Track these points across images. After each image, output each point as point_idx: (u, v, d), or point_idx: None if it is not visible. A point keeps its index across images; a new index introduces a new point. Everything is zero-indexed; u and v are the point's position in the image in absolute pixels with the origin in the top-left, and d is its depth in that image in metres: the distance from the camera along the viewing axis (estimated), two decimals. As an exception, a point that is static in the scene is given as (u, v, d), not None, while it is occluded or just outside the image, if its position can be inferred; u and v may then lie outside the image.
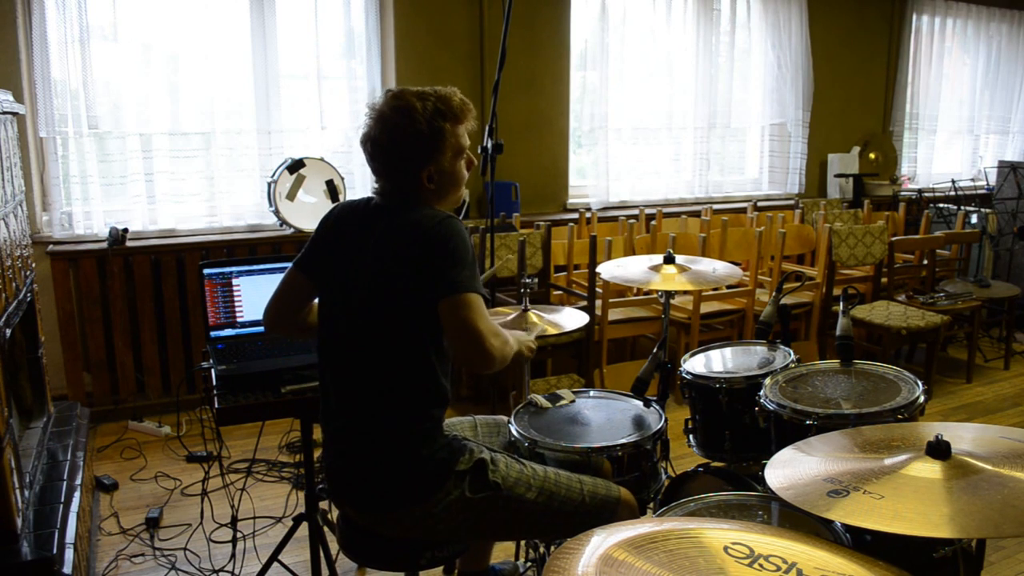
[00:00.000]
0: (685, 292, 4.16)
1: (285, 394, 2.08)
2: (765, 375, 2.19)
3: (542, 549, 2.19)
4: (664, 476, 2.13)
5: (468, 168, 1.81)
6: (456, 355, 1.67)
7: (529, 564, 2.37)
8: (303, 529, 2.31)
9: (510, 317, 2.35)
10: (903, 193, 6.28)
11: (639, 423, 2.10)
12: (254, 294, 2.38)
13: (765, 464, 1.46)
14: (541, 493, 1.77)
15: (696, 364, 2.46)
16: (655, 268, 2.60)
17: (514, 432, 2.03)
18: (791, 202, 5.71)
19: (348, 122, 4.52)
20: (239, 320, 2.38)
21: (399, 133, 1.69)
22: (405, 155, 1.71)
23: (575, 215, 4.99)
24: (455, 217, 1.70)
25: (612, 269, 2.66)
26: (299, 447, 3.46)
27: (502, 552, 2.57)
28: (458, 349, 1.64)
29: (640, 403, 2.20)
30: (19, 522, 2.16)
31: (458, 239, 1.65)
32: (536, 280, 2.51)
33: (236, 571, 2.60)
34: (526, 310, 2.35)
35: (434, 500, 1.69)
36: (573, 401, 2.24)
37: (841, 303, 2.28)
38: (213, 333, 2.35)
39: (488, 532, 1.93)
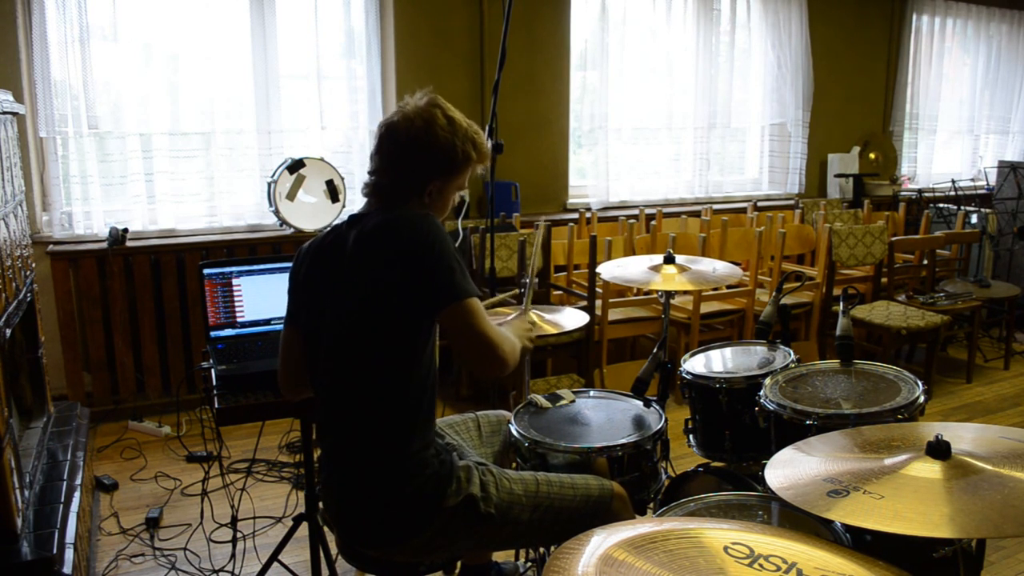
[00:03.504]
0: (685, 292, 4.16)
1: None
2: (765, 375, 2.19)
3: (542, 550, 2.19)
4: (664, 476, 2.13)
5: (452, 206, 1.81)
6: (466, 362, 1.65)
7: (529, 564, 2.37)
8: (303, 529, 2.31)
9: (510, 317, 2.34)
10: (903, 193, 6.28)
11: (639, 423, 2.10)
12: (254, 294, 2.38)
13: (765, 464, 1.46)
14: (536, 510, 1.74)
15: (696, 364, 2.46)
16: (655, 268, 2.60)
17: (514, 432, 2.03)
18: (791, 202, 5.71)
19: (348, 122, 4.53)
20: (239, 320, 2.38)
21: (439, 136, 1.66)
22: (430, 158, 1.67)
23: (575, 215, 4.99)
24: (433, 216, 1.67)
25: (612, 269, 2.66)
26: (299, 447, 3.46)
27: (502, 552, 2.56)
28: (469, 357, 1.63)
29: (640, 403, 2.20)
30: (19, 522, 2.16)
31: (444, 239, 1.62)
32: (536, 280, 2.51)
33: (236, 571, 2.60)
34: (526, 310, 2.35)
35: (424, 537, 1.66)
36: (573, 401, 2.24)
37: (841, 303, 2.28)
38: (213, 333, 2.35)
39: (487, 547, 1.94)
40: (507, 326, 1.88)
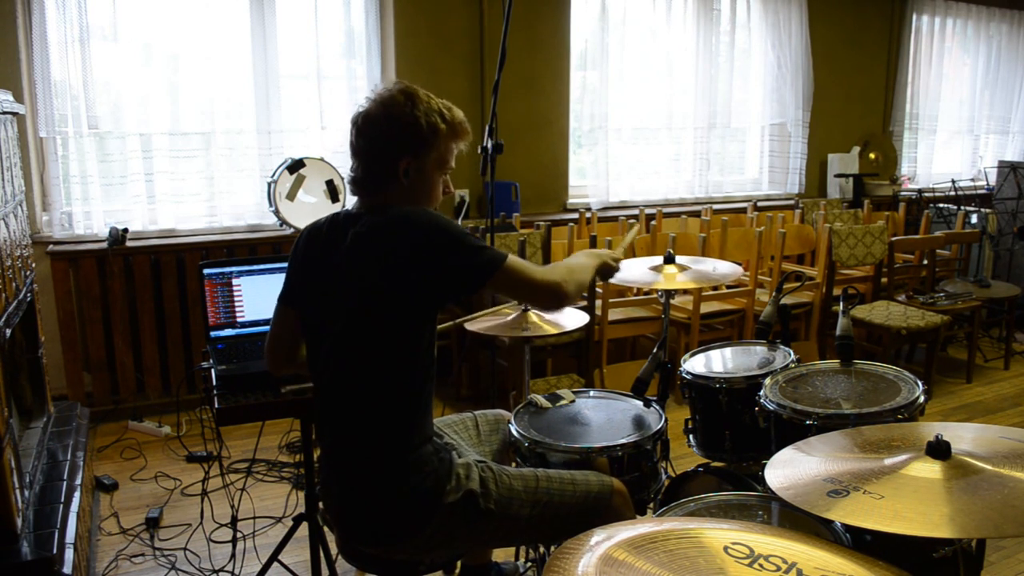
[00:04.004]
0: (685, 292, 4.16)
1: (285, 394, 2.08)
2: (765, 375, 2.19)
3: (542, 549, 2.19)
4: (664, 476, 2.13)
5: (443, 191, 1.78)
6: (534, 307, 1.87)
7: (529, 564, 2.37)
8: (303, 529, 2.31)
9: (511, 317, 2.35)
10: (903, 193, 6.28)
11: (639, 423, 2.10)
12: (254, 294, 2.38)
13: (765, 464, 1.46)
14: (535, 506, 1.74)
15: (696, 364, 2.46)
16: (655, 268, 2.59)
17: (514, 432, 2.03)
18: (791, 202, 5.71)
19: (348, 122, 4.51)
20: (239, 320, 2.38)
21: (397, 112, 1.66)
22: (393, 136, 1.66)
23: (575, 215, 4.99)
24: (424, 208, 1.67)
25: (612, 269, 2.66)
26: (299, 447, 3.46)
27: (502, 552, 2.57)
28: (533, 304, 1.83)
29: (640, 403, 2.20)
30: (19, 522, 2.16)
31: (449, 222, 1.63)
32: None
33: (236, 571, 2.60)
34: (526, 310, 2.35)
35: (424, 535, 1.66)
36: (573, 401, 2.24)
37: (841, 303, 2.28)
38: (213, 333, 2.35)
39: (487, 544, 1.94)
40: (587, 252, 1.93)
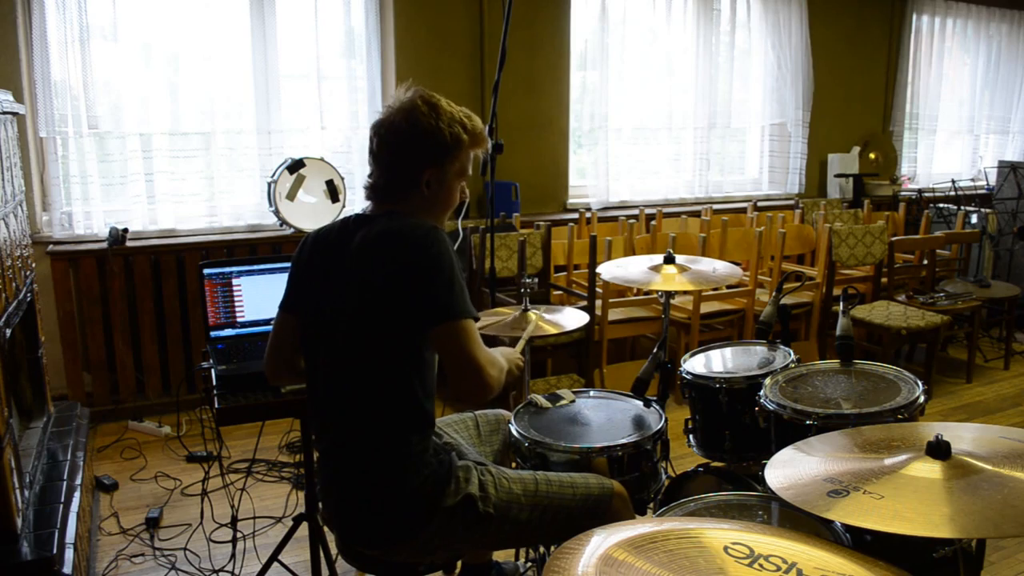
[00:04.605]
0: (685, 292, 4.16)
1: (285, 394, 2.08)
2: (765, 375, 2.19)
3: (542, 549, 2.19)
4: (664, 476, 2.13)
5: (460, 197, 1.77)
6: (452, 384, 1.61)
7: (529, 564, 2.37)
8: (303, 529, 2.31)
9: (510, 317, 2.35)
10: (903, 193, 6.28)
11: (639, 423, 2.10)
12: (254, 294, 2.38)
13: (765, 464, 1.46)
14: (534, 510, 1.74)
15: (696, 364, 2.46)
16: (655, 268, 2.59)
17: (514, 432, 2.03)
18: (791, 202, 5.71)
19: (348, 122, 4.53)
20: (239, 320, 2.38)
21: (421, 123, 1.65)
22: (417, 148, 1.66)
23: (575, 215, 4.99)
24: (440, 229, 1.65)
25: (612, 269, 2.66)
26: (299, 447, 3.46)
27: (502, 552, 2.57)
28: (456, 379, 1.60)
29: (640, 403, 2.20)
30: (19, 522, 2.16)
31: (448, 255, 1.60)
32: (536, 280, 2.52)
33: (236, 571, 2.60)
34: (526, 310, 2.35)
35: (423, 537, 1.66)
36: (573, 401, 2.24)
37: (841, 303, 2.28)
38: (213, 333, 2.35)
39: (486, 546, 1.94)
40: (497, 351, 1.85)
